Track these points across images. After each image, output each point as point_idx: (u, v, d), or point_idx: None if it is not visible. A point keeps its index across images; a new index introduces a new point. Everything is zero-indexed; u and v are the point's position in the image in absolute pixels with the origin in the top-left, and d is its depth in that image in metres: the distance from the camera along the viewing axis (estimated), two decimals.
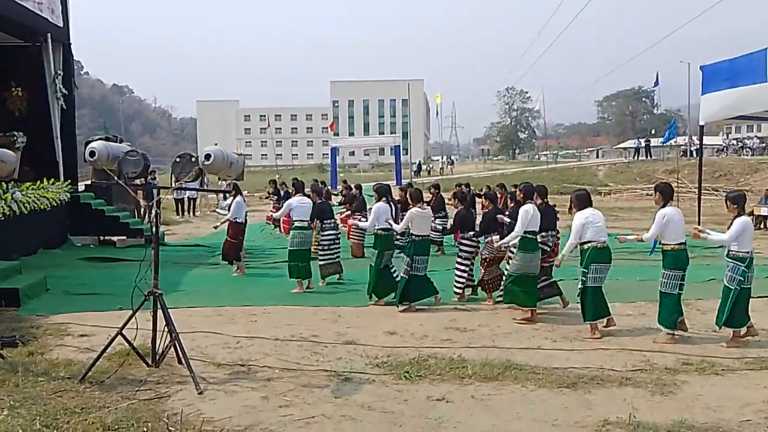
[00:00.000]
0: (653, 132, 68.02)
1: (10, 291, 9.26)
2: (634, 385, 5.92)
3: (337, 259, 11.65)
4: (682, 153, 43.34)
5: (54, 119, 15.12)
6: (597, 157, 72.92)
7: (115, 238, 16.27)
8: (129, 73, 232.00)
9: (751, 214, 20.52)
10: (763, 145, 47.29)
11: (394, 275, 9.76)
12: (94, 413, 5.10)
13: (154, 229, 6.30)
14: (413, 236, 9.31)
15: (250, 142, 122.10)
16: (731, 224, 7.25)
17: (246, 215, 13.19)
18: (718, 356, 6.78)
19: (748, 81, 18.23)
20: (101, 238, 16.42)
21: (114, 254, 14.52)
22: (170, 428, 4.63)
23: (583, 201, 8.08)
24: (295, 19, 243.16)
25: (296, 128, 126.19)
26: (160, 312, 6.08)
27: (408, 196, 9.83)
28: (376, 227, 9.69)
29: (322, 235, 11.65)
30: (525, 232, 8.53)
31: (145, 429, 4.77)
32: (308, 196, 11.60)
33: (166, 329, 6.03)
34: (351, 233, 15.02)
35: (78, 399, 5.45)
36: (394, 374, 6.26)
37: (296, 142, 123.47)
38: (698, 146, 25.26)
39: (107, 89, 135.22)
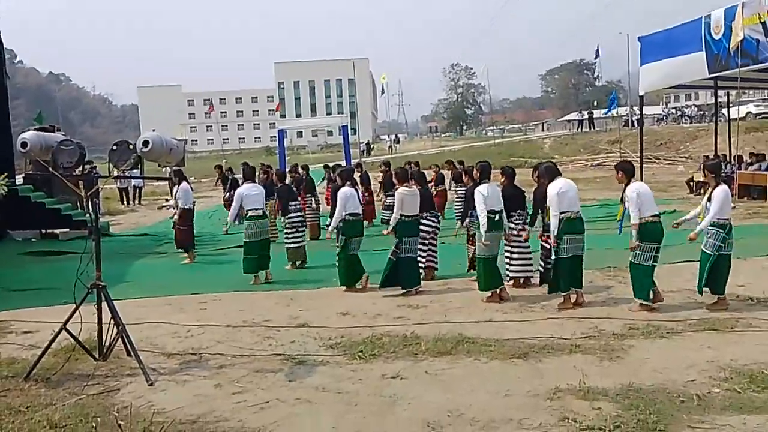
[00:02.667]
0: (596, 104, 69.33)
1: None
2: (584, 352, 6.04)
3: (303, 243, 11.50)
4: (623, 123, 44.25)
5: None
6: (542, 130, 73.95)
7: (57, 231, 15.78)
8: (65, 61, 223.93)
9: (690, 180, 21.18)
10: (701, 113, 48.56)
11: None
12: (40, 411, 4.97)
13: (93, 220, 6.12)
14: (402, 216, 8.93)
15: (195, 127, 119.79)
16: (710, 194, 7.38)
17: (194, 202, 12.97)
18: (662, 320, 6.97)
19: (684, 50, 18.73)
20: (43, 231, 15.92)
21: (56, 247, 14.08)
22: (120, 422, 4.52)
23: (551, 173, 8.11)
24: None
25: (242, 111, 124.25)
26: (105, 305, 5.92)
27: (394, 176, 9.48)
28: (344, 213, 9.28)
29: (288, 218, 11.44)
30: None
31: (94, 424, 4.66)
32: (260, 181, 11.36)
33: (112, 322, 5.88)
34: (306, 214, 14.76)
35: (23, 397, 5.31)
36: (347, 354, 6.26)
37: (242, 125, 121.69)
38: (639, 116, 25.85)
39: (43, 78, 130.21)
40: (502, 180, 9.12)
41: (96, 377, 5.77)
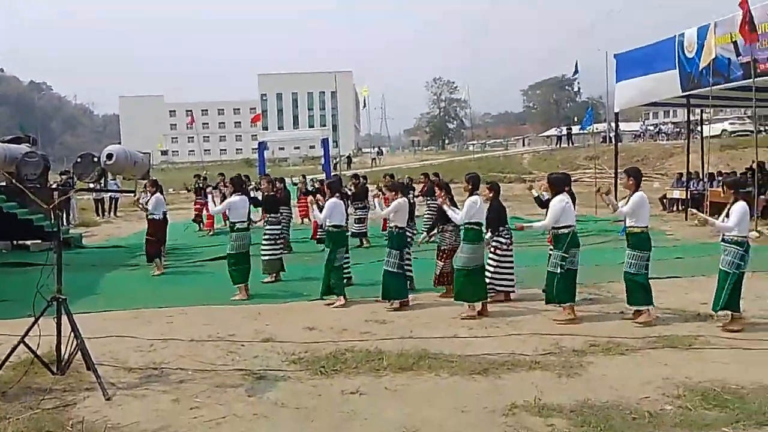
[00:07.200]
0: (575, 119, 69.90)
1: None
2: (543, 368, 6.10)
3: (280, 255, 11.48)
4: (601, 140, 44.67)
5: None
6: (523, 145, 74.42)
7: (29, 242, 15.62)
8: (46, 70, 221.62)
9: (663, 197, 21.44)
10: (677, 129, 49.18)
11: (347, 272, 9.84)
12: None
13: (56, 231, 6.11)
14: (397, 228, 8.98)
15: (176, 138, 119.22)
16: (728, 209, 7.34)
17: (166, 213, 12.89)
18: (623, 336, 7.05)
19: (659, 68, 19.05)
20: (14, 242, 15.75)
21: (26, 259, 13.90)
22: None
23: (560, 184, 8.14)
24: (218, 8, 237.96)
25: (224, 123, 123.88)
26: (65, 318, 5.89)
27: (436, 186, 9.49)
28: (329, 223, 9.26)
29: (267, 229, 11.33)
30: (469, 224, 8.35)
31: None
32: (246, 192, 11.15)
33: (72, 335, 5.85)
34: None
35: None
36: (310, 370, 6.26)
37: (224, 137, 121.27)
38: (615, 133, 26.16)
39: (24, 86, 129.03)
40: (489, 194, 9.16)
41: (53, 391, 5.72)
